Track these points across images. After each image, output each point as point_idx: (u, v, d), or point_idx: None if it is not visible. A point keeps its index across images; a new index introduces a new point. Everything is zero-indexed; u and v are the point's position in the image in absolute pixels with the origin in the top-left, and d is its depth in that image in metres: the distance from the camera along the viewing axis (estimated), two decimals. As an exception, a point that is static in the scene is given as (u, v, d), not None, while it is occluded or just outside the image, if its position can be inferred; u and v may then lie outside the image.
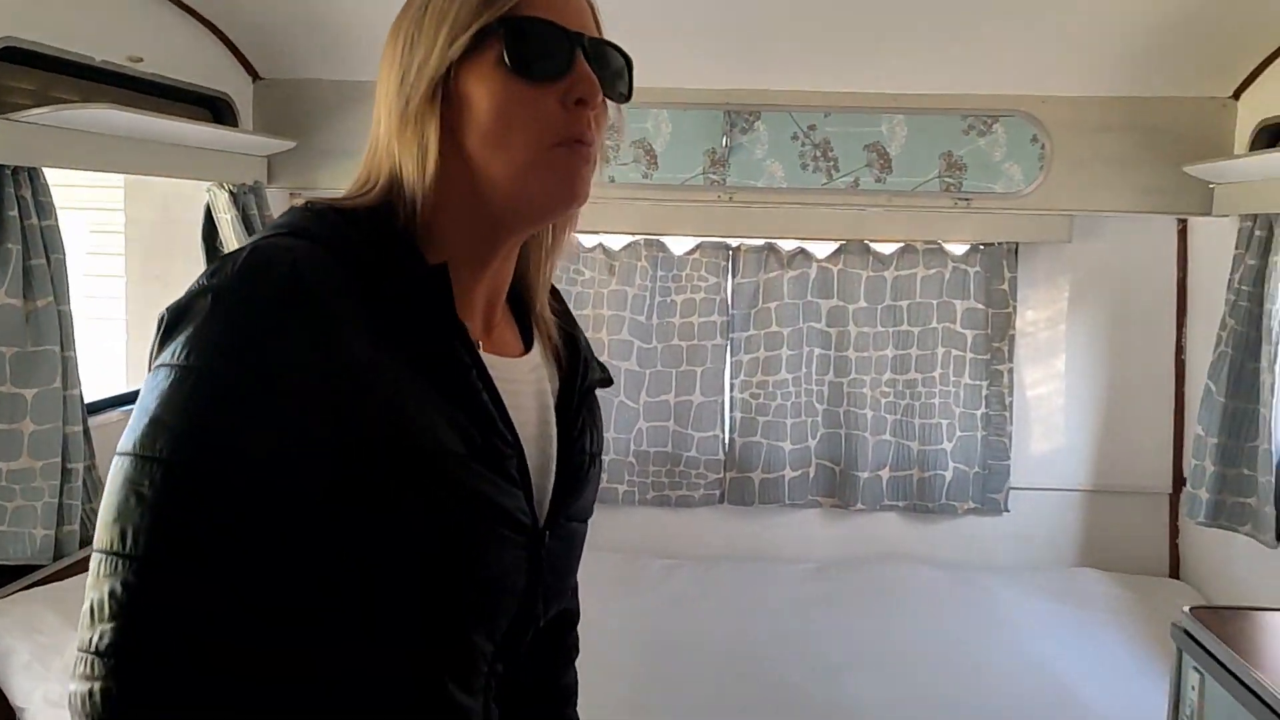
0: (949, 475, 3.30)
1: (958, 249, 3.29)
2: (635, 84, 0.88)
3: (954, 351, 3.28)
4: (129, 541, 0.70)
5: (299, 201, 2.41)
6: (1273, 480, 2.67)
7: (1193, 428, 3.00)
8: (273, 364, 0.72)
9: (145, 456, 0.71)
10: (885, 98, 3.00)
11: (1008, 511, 3.32)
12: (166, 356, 0.73)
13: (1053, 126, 3.00)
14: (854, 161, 3.02)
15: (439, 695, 0.80)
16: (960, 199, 3.05)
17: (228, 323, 0.73)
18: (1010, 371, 3.29)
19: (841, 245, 3.29)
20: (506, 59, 0.80)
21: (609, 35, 0.87)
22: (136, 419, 0.73)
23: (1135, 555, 3.30)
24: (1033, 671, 2.60)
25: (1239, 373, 2.77)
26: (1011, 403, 3.29)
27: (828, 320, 3.31)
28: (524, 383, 0.91)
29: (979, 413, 3.29)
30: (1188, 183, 2.91)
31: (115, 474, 0.73)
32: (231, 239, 2.85)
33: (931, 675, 2.59)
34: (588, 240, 3.34)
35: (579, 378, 0.95)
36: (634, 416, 3.35)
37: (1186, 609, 1.65)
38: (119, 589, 0.70)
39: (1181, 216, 3.17)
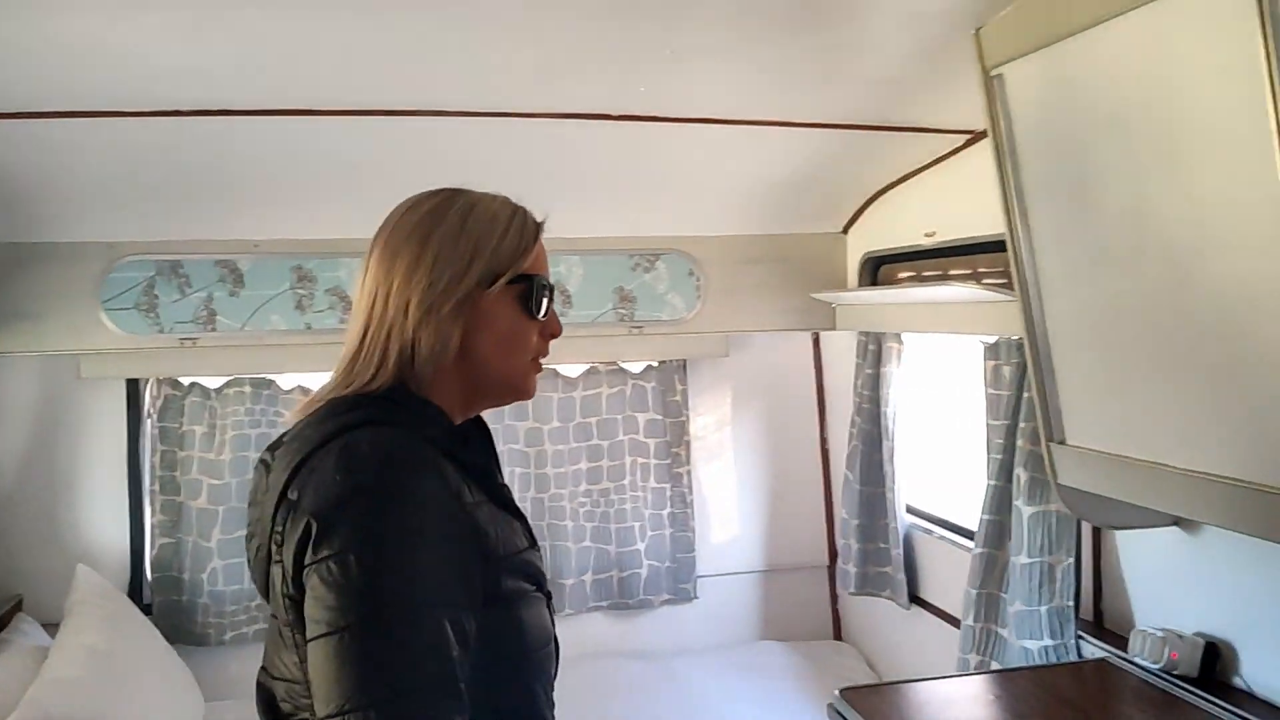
0: (644, 572, 3.64)
1: (635, 368, 3.67)
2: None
3: (639, 459, 3.65)
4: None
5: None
6: (901, 552, 3.22)
7: (839, 510, 3.55)
8: (436, 528, 1.03)
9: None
10: (563, 241, 3.34)
11: (697, 598, 3.70)
12: (338, 545, 0.99)
13: (705, 261, 3.48)
14: (539, 299, 3.33)
15: None
16: (633, 327, 3.44)
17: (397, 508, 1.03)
18: (689, 473, 3.70)
19: (533, 372, 3.58)
20: (527, 303, 1.20)
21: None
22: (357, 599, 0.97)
23: (806, 623, 3.79)
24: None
25: (868, 463, 3.33)
26: (692, 500, 3.70)
27: (525, 441, 3.57)
28: None
29: (665, 512, 3.67)
30: (816, 304, 3.47)
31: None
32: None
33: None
34: (285, 380, 3.41)
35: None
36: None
37: (837, 691, 2.02)
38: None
39: (813, 331, 3.74)
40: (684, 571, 3.68)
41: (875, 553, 3.32)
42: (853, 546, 3.34)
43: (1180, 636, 2.00)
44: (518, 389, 1.25)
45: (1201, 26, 1.42)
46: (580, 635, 3.60)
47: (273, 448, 1.20)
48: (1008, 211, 1.97)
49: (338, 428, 1.09)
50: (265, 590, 1.13)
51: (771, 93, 2.48)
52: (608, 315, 3.42)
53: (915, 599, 3.22)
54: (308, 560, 1.01)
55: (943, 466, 3.41)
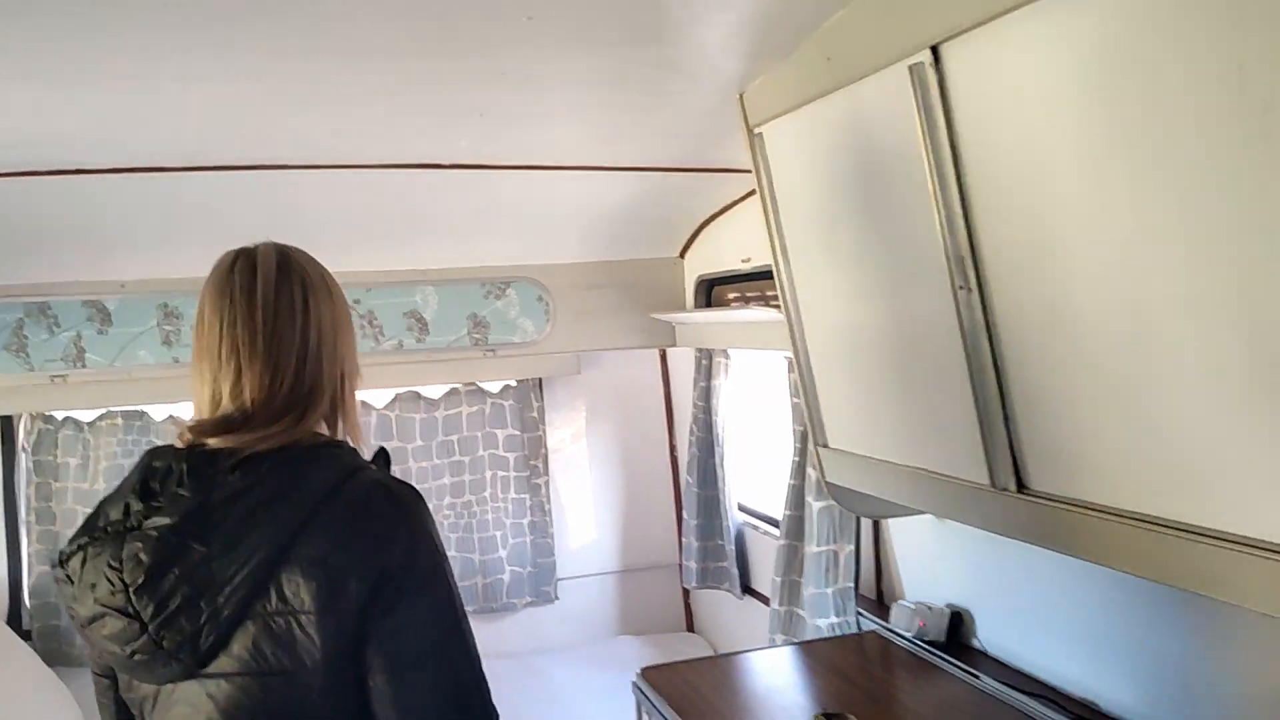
0: (507, 578, 3.90)
1: (493, 387, 3.93)
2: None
3: (500, 473, 3.91)
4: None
5: None
6: (733, 547, 3.55)
7: (684, 512, 3.86)
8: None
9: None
10: (417, 273, 3.59)
11: (558, 599, 3.98)
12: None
13: (553, 287, 3.76)
14: (396, 327, 3.57)
15: None
16: (488, 350, 3.71)
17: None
18: (547, 483, 3.97)
19: (396, 394, 3.82)
20: None
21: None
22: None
23: (660, 617, 4.10)
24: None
25: (704, 467, 3.65)
26: (551, 509, 3.98)
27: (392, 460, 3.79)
28: None
29: (525, 521, 3.94)
30: (658, 323, 3.78)
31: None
32: None
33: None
34: (157, 412, 3.57)
35: None
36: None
37: (638, 670, 2.32)
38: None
39: (658, 348, 4.06)
40: (544, 575, 3.95)
41: (713, 549, 3.64)
42: (693, 545, 3.66)
43: (930, 608, 2.35)
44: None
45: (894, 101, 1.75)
46: (448, 639, 3.83)
47: None
48: (772, 247, 2.30)
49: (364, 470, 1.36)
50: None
51: (593, 144, 2.77)
52: (463, 340, 3.67)
53: (747, 589, 3.55)
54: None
55: (766, 468, 3.75)
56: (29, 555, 3.51)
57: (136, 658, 1.18)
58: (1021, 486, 1.68)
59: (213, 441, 1.23)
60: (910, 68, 1.62)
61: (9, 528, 3.49)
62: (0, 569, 3.47)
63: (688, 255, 3.84)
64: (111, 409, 3.53)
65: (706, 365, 3.60)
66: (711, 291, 3.75)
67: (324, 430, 1.31)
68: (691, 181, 3.14)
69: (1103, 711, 1.96)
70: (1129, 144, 1.29)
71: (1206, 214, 1.21)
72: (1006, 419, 1.67)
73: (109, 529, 1.21)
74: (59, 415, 3.52)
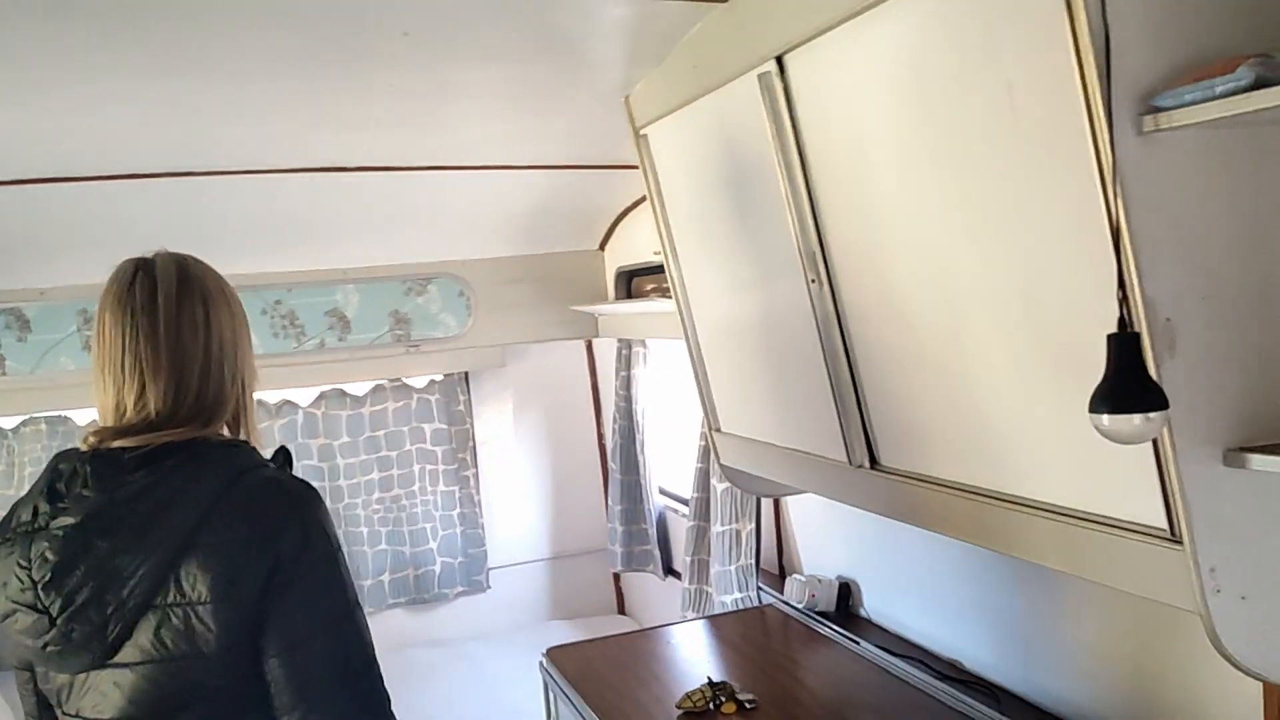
0: (438, 568, 3.99)
1: (419, 382, 4.01)
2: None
3: (428, 466, 4.00)
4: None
5: None
6: (654, 530, 3.67)
7: (608, 498, 3.97)
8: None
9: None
10: (338, 272, 3.65)
11: (490, 588, 4.08)
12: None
13: (474, 282, 3.84)
14: (318, 326, 3.64)
15: None
16: (411, 346, 3.78)
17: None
18: (476, 475, 4.07)
19: (321, 392, 3.89)
20: None
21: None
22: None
23: (591, 601, 4.22)
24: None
25: (627, 454, 3.76)
26: (480, 500, 4.07)
27: (319, 457, 3.87)
28: None
29: (455, 513, 4.03)
30: (580, 315, 3.88)
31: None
32: None
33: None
34: (80, 416, 3.62)
35: None
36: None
37: (544, 651, 2.44)
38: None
39: (583, 339, 4.15)
40: (475, 565, 4.05)
41: (636, 533, 3.75)
42: (618, 529, 3.77)
43: (820, 580, 2.48)
44: None
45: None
46: (383, 630, 3.91)
47: None
48: (662, 242, 2.41)
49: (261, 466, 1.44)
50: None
51: (500, 144, 2.86)
52: (385, 337, 3.75)
53: (670, 570, 3.67)
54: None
55: (685, 453, 3.87)
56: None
57: (48, 649, 1.27)
58: (874, 463, 1.80)
59: (117, 442, 1.30)
60: (759, 76, 1.73)
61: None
62: (-70, 577, 3.51)
63: (607, 247, 3.93)
64: (34, 415, 3.56)
65: (626, 355, 3.70)
66: (631, 282, 3.85)
67: (226, 434, 1.39)
68: (604, 177, 3.24)
69: (966, 669, 2.10)
70: (931, 150, 1.41)
71: (989, 213, 1.33)
72: (859, 402, 1.80)
73: (19, 529, 1.30)
74: (-19, 423, 3.55)
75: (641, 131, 2.34)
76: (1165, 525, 1.19)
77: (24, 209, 2.77)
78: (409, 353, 3.79)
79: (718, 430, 2.44)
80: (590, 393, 4.30)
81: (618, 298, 3.84)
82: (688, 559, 2.98)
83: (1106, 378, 1.08)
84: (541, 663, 2.41)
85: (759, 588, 2.72)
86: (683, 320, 2.43)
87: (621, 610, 4.25)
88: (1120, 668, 1.82)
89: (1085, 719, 1.90)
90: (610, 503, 3.84)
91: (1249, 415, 1.16)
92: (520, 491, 4.21)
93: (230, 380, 1.40)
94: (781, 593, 2.64)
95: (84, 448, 1.33)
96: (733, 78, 1.83)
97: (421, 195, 3.23)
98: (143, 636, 1.26)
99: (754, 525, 2.73)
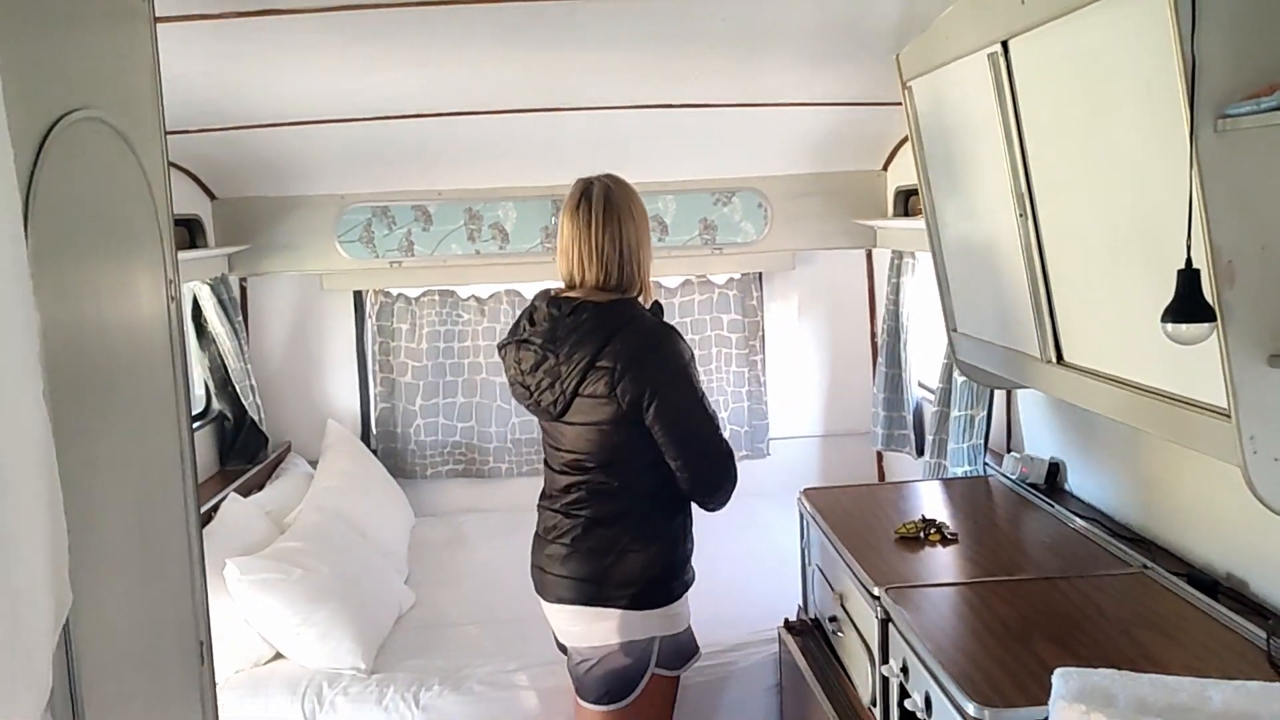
0: (726, 433, 4.76)
1: (720, 279, 4.76)
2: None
3: (724, 350, 4.76)
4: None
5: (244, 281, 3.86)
6: (911, 417, 4.24)
7: (874, 387, 4.57)
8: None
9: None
10: (659, 184, 4.42)
11: (770, 455, 4.82)
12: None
13: (771, 195, 4.50)
14: (642, 229, 4.45)
15: None
16: (715, 249, 4.53)
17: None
18: (763, 360, 4.78)
19: (641, 282, 4.73)
20: None
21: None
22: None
23: (857, 474, 4.86)
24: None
25: (892, 351, 4.32)
26: (765, 381, 4.79)
27: (637, 335, 4.73)
28: None
29: (744, 389, 4.78)
30: (861, 227, 4.45)
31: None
32: (213, 316, 4.08)
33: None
34: (462, 291, 4.68)
35: None
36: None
37: (802, 490, 3.14)
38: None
39: (860, 249, 4.72)
40: (759, 433, 4.80)
41: (896, 419, 4.33)
42: (880, 414, 4.37)
43: (1033, 458, 2.99)
44: None
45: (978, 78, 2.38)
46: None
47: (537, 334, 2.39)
48: (919, 175, 2.95)
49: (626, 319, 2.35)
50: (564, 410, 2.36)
51: (797, 88, 3.49)
52: (695, 240, 4.51)
53: (922, 451, 4.24)
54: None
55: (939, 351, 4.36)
56: (374, 395, 4.74)
57: (529, 407, 2.45)
58: (1060, 359, 2.33)
59: (566, 294, 2.40)
60: (988, 56, 2.26)
61: (360, 374, 4.74)
62: (354, 403, 4.74)
63: (889, 168, 4.45)
64: (430, 288, 4.65)
65: (898, 264, 4.23)
66: (908, 201, 4.36)
67: (628, 296, 2.40)
68: (886, 111, 3.77)
69: (1157, 544, 2.53)
70: (1104, 123, 1.91)
71: (1134, 172, 1.84)
72: (1050, 310, 2.32)
73: (517, 337, 2.44)
74: (394, 292, 4.68)
75: (907, 84, 2.87)
76: (1227, 406, 1.69)
77: (433, 133, 3.74)
78: (714, 254, 4.53)
79: (954, 330, 2.99)
80: (867, 296, 4.87)
81: (895, 214, 4.35)
82: (930, 438, 3.56)
83: (1174, 298, 1.61)
84: (800, 498, 3.12)
85: (985, 463, 3.27)
86: (931, 238, 2.98)
87: (881, 480, 4.87)
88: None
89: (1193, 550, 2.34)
90: (876, 391, 4.44)
91: (1293, 331, 1.63)
92: (800, 377, 4.88)
93: (636, 268, 2.39)
94: (1001, 467, 3.18)
95: (551, 294, 2.42)
96: (970, 53, 2.35)
97: (731, 125, 3.91)
98: (574, 411, 2.34)
99: (985, 412, 3.26)
